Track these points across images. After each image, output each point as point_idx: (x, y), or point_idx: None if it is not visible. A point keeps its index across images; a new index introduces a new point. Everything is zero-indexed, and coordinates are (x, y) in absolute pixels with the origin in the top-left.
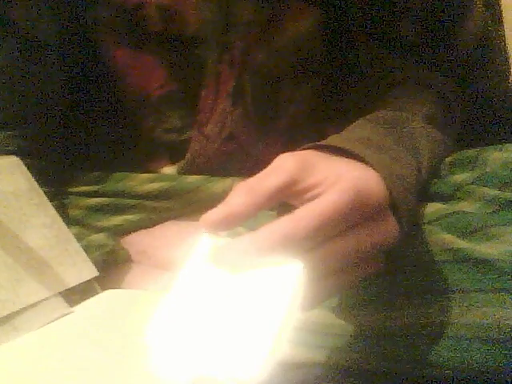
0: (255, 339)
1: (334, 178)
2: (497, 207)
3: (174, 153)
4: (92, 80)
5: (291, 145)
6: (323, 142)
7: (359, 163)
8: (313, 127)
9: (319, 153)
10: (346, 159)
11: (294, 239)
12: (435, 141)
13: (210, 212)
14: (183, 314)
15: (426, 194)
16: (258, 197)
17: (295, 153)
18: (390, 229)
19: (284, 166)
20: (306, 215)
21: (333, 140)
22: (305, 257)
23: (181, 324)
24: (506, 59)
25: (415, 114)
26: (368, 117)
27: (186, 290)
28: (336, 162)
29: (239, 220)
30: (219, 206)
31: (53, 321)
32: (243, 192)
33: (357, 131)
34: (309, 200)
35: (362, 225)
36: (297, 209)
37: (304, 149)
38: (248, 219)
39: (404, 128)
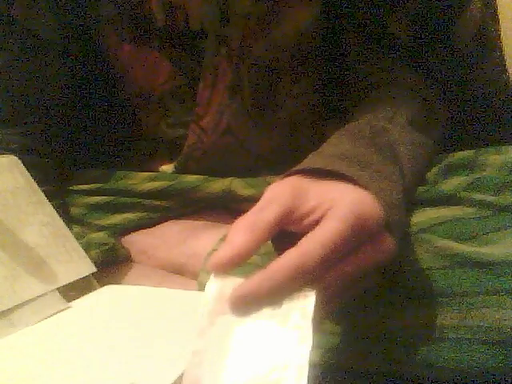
0: (286, 375)
1: (328, 202)
2: (492, 212)
3: (175, 150)
4: (95, 77)
5: (289, 140)
6: (306, 165)
7: (347, 183)
8: (311, 122)
9: (306, 178)
10: (334, 181)
11: (303, 271)
12: (416, 145)
13: (215, 255)
14: (205, 356)
15: (413, 199)
16: (259, 232)
17: (284, 181)
18: (387, 247)
19: (278, 198)
20: (312, 247)
21: (314, 160)
22: (313, 285)
23: (203, 367)
24: (502, 57)
25: (394, 120)
26: (345, 130)
27: (205, 334)
28: (326, 186)
29: (245, 258)
30: (223, 247)
31: (50, 316)
32: (243, 229)
33: (336, 147)
34: (307, 226)
35: (361, 247)
36: (301, 240)
37: (288, 174)
38: (253, 255)
39: (382, 138)
